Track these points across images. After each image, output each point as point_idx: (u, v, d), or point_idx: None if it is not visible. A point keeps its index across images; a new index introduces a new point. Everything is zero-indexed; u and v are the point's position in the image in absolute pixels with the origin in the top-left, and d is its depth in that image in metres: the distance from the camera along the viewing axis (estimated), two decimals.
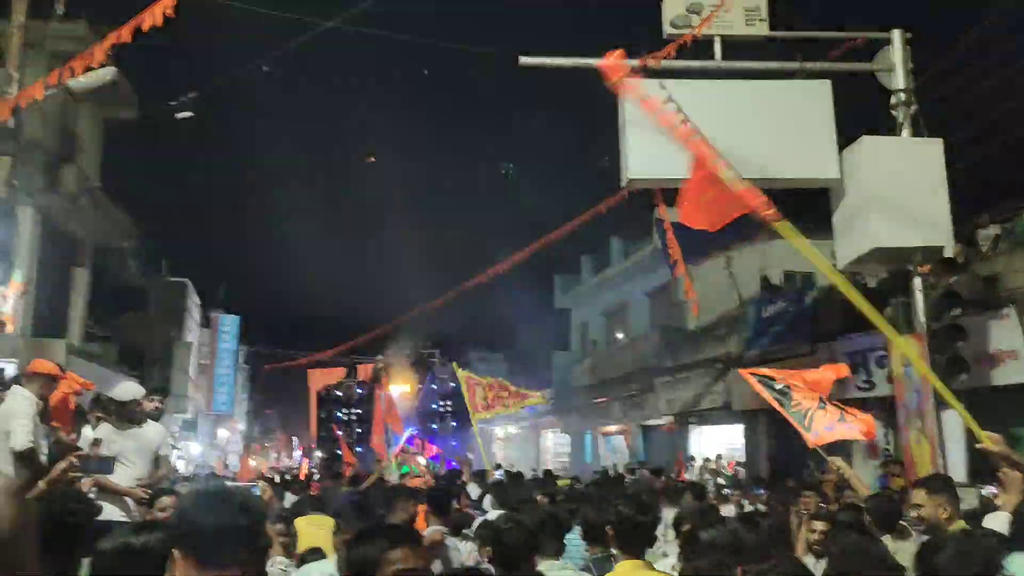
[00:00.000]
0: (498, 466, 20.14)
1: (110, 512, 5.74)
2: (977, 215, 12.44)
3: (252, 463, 28.40)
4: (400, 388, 29.71)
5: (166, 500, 5.26)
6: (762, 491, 12.03)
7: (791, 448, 16.19)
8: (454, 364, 17.42)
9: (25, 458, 5.28)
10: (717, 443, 19.84)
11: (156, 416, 6.80)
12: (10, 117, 9.87)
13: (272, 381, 46.30)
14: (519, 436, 36.95)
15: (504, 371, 43.70)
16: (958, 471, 9.62)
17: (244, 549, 2.05)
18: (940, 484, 4.61)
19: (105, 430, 6.12)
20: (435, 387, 29.88)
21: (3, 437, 5.28)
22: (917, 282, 9.62)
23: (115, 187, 18.44)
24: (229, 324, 40.34)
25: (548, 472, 15.98)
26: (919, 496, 4.52)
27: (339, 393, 29.34)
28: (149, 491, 5.88)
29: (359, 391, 29.62)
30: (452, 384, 30.26)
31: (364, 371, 33.69)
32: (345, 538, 3.82)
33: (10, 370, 10.78)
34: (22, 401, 5.38)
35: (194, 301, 34.74)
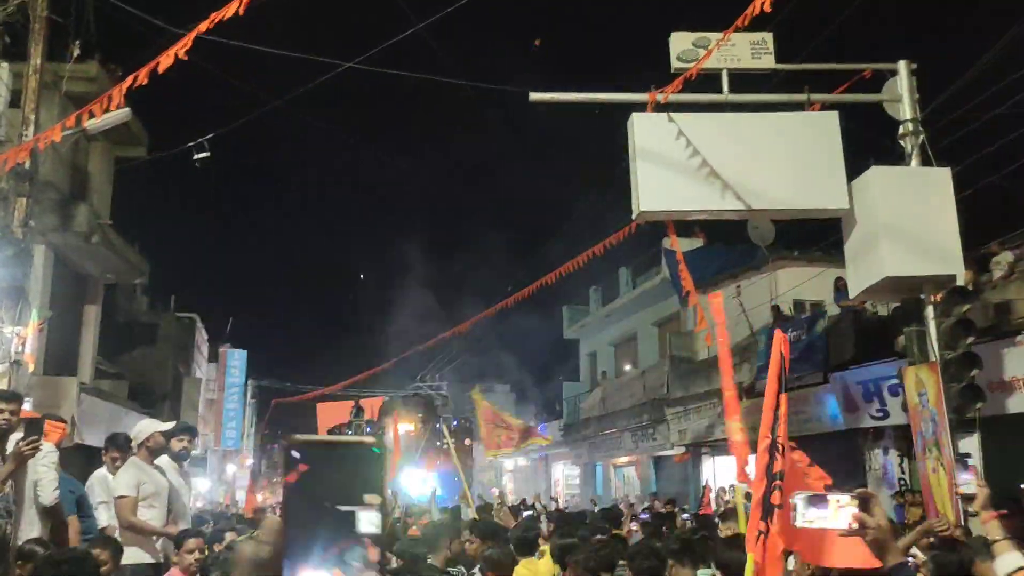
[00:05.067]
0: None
1: (136, 555, 5.74)
2: (989, 242, 12.45)
3: (259, 497, 28.22)
4: (405, 426, 29.60)
5: (192, 542, 5.26)
6: None
7: None
8: (475, 390, 17.23)
9: (53, 511, 5.36)
10: (732, 474, 19.69)
11: (184, 457, 6.75)
12: (28, 159, 9.97)
13: (279, 415, 46.25)
14: (529, 468, 36.77)
15: (512, 402, 43.63)
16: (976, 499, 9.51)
17: None
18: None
19: (134, 473, 6.10)
20: (439, 425, 29.77)
21: (30, 487, 5.30)
22: (930, 311, 9.61)
23: (125, 224, 18.54)
24: (237, 359, 40.28)
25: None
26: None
27: (350, 432, 29.14)
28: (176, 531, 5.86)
29: (368, 430, 29.40)
30: (455, 422, 30.12)
31: (370, 407, 33.68)
32: None
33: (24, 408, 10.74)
34: (44, 454, 5.38)
35: (202, 336, 34.76)
